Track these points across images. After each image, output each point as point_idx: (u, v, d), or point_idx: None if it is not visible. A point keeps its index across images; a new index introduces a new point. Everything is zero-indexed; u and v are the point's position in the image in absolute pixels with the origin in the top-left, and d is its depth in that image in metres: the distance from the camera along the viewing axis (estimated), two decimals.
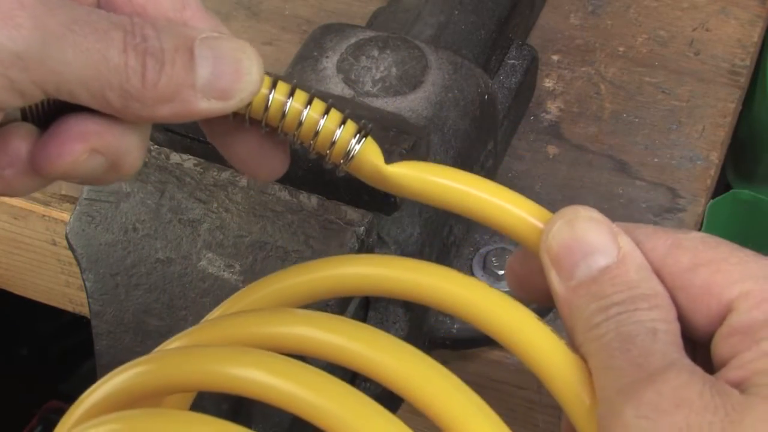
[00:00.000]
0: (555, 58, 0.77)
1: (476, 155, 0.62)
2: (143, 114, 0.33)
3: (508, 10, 0.70)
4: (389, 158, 0.40)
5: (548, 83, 0.76)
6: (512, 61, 0.71)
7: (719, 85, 0.76)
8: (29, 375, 1.07)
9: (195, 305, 0.50)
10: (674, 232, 0.35)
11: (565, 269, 0.33)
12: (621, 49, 0.78)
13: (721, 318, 0.33)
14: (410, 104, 0.59)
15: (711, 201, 0.74)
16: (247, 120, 0.37)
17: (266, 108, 0.37)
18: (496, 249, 0.63)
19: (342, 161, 0.39)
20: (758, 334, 0.32)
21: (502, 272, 0.62)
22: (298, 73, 0.61)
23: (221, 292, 0.50)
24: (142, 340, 0.50)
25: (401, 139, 0.51)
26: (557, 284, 0.34)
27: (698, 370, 0.32)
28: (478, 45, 0.67)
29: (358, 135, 0.39)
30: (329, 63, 0.60)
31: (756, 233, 0.84)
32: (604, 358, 0.32)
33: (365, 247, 0.52)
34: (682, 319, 0.34)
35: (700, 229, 0.71)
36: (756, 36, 0.79)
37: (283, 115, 0.37)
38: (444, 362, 0.65)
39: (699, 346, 0.34)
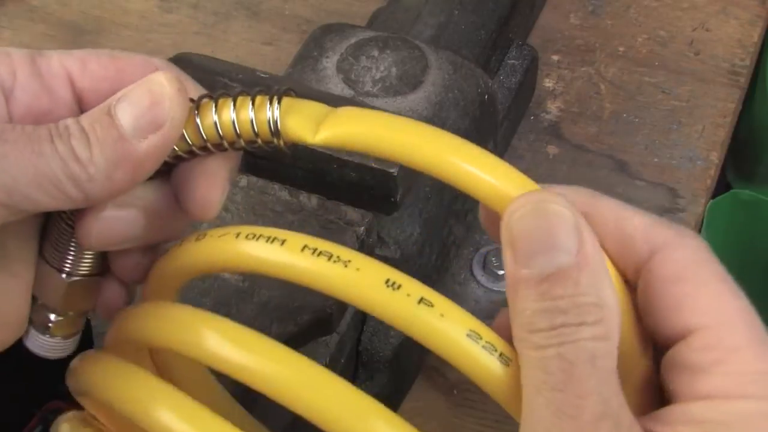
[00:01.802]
0: (555, 58, 0.77)
1: None
2: (105, 189, 0.35)
3: (508, 10, 0.70)
4: None
5: (548, 83, 0.76)
6: (512, 61, 0.71)
7: (719, 85, 0.76)
8: (29, 375, 1.07)
9: (195, 305, 0.50)
10: (673, 232, 0.34)
11: (521, 256, 0.32)
12: (621, 49, 0.78)
13: (678, 339, 0.33)
14: (410, 104, 0.59)
15: (711, 201, 0.74)
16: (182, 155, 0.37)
17: (185, 138, 0.37)
18: (496, 249, 0.63)
19: (273, 137, 0.37)
20: (696, 385, 0.32)
21: (502, 272, 0.62)
22: (298, 73, 0.61)
23: (221, 292, 0.50)
24: None
25: None
26: (510, 265, 0.33)
27: (624, 420, 0.31)
28: (478, 45, 0.67)
29: (269, 103, 0.37)
30: (329, 63, 0.60)
31: (756, 233, 0.84)
32: (540, 376, 0.31)
33: (365, 247, 0.52)
34: (647, 324, 0.34)
35: (700, 230, 0.71)
36: (756, 36, 0.79)
37: (200, 132, 0.37)
38: (444, 362, 0.65)
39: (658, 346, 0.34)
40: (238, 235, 0.36)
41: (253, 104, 0.36)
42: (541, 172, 0.71)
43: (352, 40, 0.61)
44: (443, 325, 0.32)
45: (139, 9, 0.81)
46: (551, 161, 0.72)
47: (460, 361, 0.32)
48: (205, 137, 0.37)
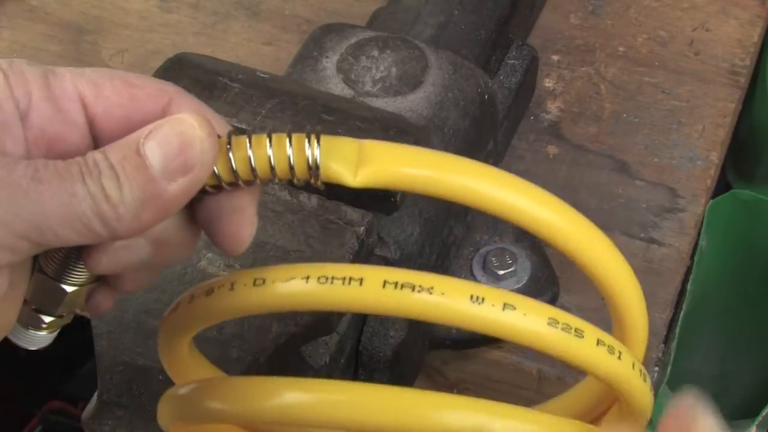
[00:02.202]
0: (555, 58, 0.77)
1: (476, 155, 0.62)
2: (131, 228, 0.35)
3: (508, 10, 0.70)
4: None
5: (548, 83, 0.76)
6: (512, 61, 0.71)
7: (719, 85, 0.76)
8: (29, 375, 1.07)
9: None
10: None
11: None
12: (621, 49, 0.78)
13: None
14: (410, 104, 0.59)
15: (711, 201, 0.74)
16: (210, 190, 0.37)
17: (216, 175, 0.37)
18: (496, 249, 0.63)
19: (311, 177, 0.37)
20: None
21: (502, 272, 0.62)
22: (298, 73, 0.61)
23: None
24: (142, 340, 0.50)
25: (401, 140, 0.51)
26: None
27: None
28: (478, 45, 0.67)
29: (308, 142, 0.37)
30: (329, 63, 0.60)
31: (756, 233, 0.84)
32: None
33: (365, 247, 0.52)
34: None
35: (700, 230, 0.71)
36: (756, 36, 0.79)
37: (233, 170, 0.37)
38: (444, 362, 0.65)
39: None
40: (307, 278, 0.36)
41: (290, 142, 0.36)
42: (541, 172, 0.71)
43: (352, 40, 0.61)
44: (528, 322, 0.36)
45: (139, 9, 0.81)
46: (551, 161, 0.72)
47: (546, 345, 0.36)
48: (237, 174, 0.36)
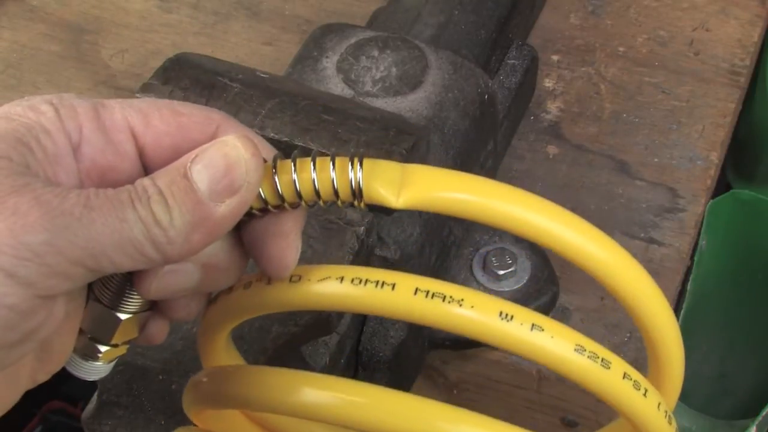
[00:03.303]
0: (555, 58, 0.77)
1: (476, 155, 0.62)
2: (183, 251, 0.36)
3: (508, 10, 0.70)
4: (389, 158, 0.40)
5: (548, 83, 0.76)
6: (512, 61, 0.71)
7: (719, 85, 0.76)
8: None
9: None
10: None
11: None
12: (621, 49, 0.78)
13: None
14: (410, 104, 0.59)
15: (711, 201, 0.74)
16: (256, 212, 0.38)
17: (262, 199, 0.37)
18: (496, 249, 0.63)
19: (355, 199, 0.38)
20: None
21: (502, 272, 0.62)
22: (298, 73, 0.61)
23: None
24: None
25: (401, 139, 0.51)
26: None
27: None
28: (478, 45, 0.67)
29: (351, 165, 0.37)
30: (329, 63, 0.60)
31: (756, 233, 0.84)
32: None
33: (365, 247, 0.52)
34: None
35: (700, 230, 0.71)
36: (756, 36, 0.79)
37: (278, 193, 0.37)
38: (444, 362, 0.65)
39: None
40: (341, 279, 0.37)
41: (333, 165, 0.37)
42: (541, 172, 0.71)
43: (352, 40, 0.61)
44: (555, 345, 0.36)
45: (139, 9, 0.81)
46: (551, 161, 0.72)
47: (571, 371, 0.37)
48: (283, 197, 0.37)
